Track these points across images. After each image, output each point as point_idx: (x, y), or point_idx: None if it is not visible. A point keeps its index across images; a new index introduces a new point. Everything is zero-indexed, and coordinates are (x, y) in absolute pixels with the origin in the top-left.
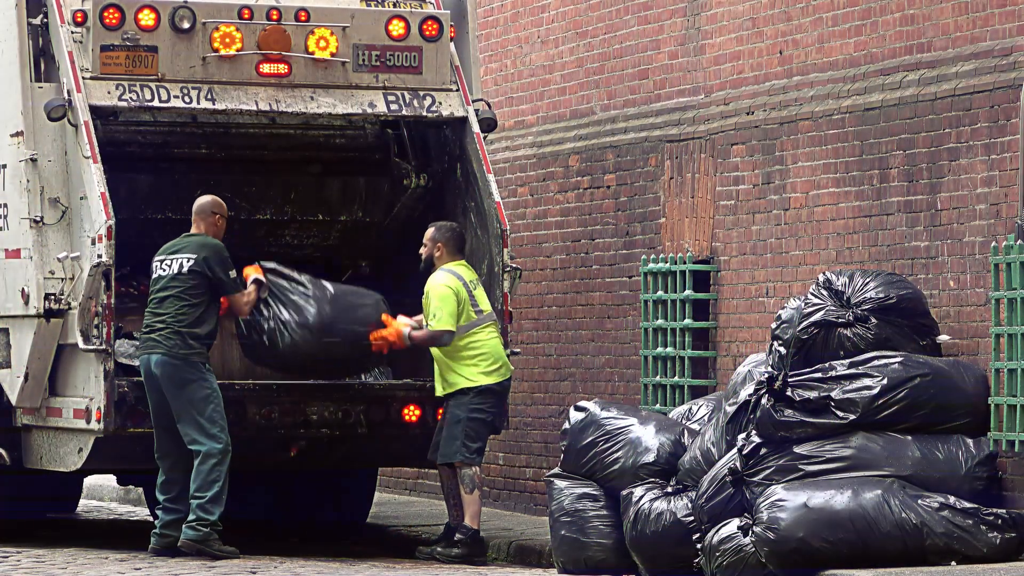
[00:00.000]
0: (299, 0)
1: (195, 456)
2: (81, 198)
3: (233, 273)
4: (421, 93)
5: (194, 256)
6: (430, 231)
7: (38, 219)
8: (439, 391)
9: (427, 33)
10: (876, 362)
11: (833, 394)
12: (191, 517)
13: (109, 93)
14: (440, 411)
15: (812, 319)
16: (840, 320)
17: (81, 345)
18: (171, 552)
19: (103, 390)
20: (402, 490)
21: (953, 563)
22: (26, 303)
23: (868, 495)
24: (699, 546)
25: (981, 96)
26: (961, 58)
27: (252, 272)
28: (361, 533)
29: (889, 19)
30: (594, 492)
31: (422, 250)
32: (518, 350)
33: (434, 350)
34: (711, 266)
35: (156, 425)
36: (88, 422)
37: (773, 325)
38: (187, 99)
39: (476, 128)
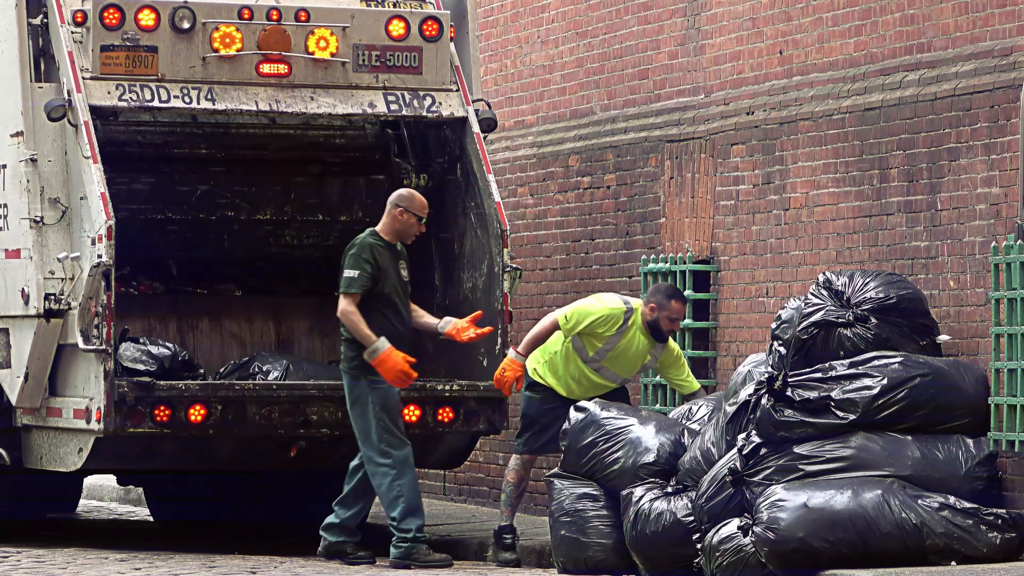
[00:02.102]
0: (299, 0)
1: (371, 475)
2: (81, 198)
3: (351, 272)
4: (421, 93)
5: (343, 260)
6: (683, 306)
7: (38, 219)
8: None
9: (427, 33)
10: (876, 362)
11: (833, 394)
12: (393, 537)
13: (109, 93)
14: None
15: (812, 319)
16: (840, 320)
17: (81, 345)
18: (326, 554)
19: (103, 390)
20: None
21: (953, 563)
22: (26, 303)
23: (868, 495)
24: (699, 546)
25: (981, 96)
26: (961, 58)
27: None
28: (361, 533)
29: (889, 19)
30: (594, 492)
31: (677, 326)
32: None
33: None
34: (711, 266)
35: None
36: (88, 422)
37: (773, 325)
38: (187, 99)
39: (476, 128)
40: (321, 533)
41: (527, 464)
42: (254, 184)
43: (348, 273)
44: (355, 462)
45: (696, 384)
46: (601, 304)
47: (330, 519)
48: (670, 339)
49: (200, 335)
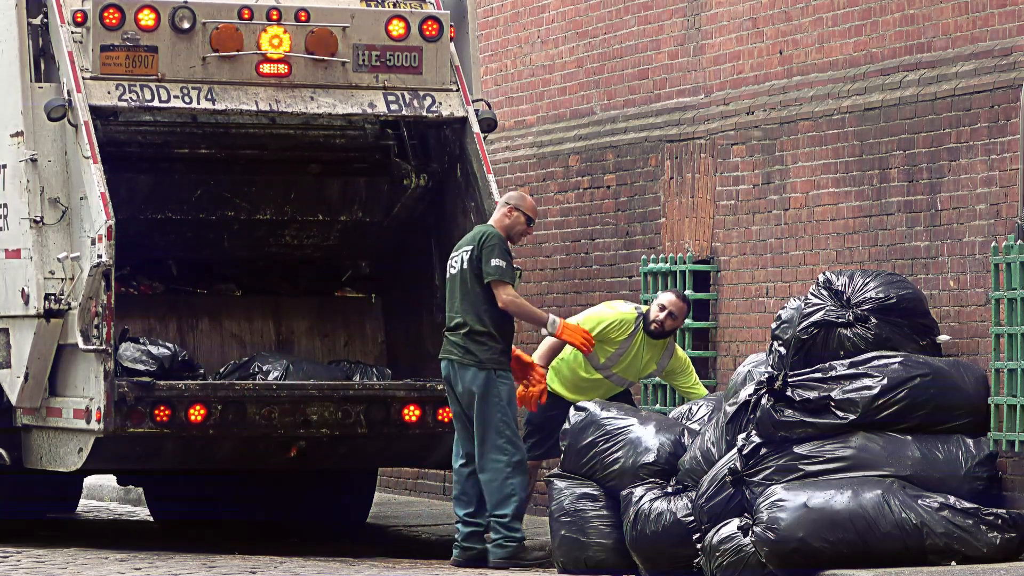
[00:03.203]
0: (299, 0)
1: (481, 470)
2: (81, 198)
3: (500, 261)
4: (421, 93)
5: (470, 247)
6: (682, 303)
7: (38, 219)
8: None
9: (427, 33)
10: (876, 362)
11: (833, 394)
12: (496, 536)
13: (109, 93)
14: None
15: (812, 319)
16: (840, 320)
17: (81, 345)
18: (473, 564)
19: (103, 390)
20: (402, 490)
21: (953, 563)
22: (26, 303)
23: (868, 495)
24: (699, 546)
25: (981, 96)
26: (961, 58)
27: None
28: (361, 533)
29: (889, 19)
30: (594, 492)
31: (668, 321)
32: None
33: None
34: (711, 266)
35: (457, 428)
36: (88, 422)
37: (773, 325)
38: (187, 99)
39: (476, 128)
40: (464, 544)
41: (532, 469)
42: (254, 184)
43: (497, 262)
44: (460, 463)
45: (703, 391)
46: (613, 310)
47: (470, 529)
48: (677, 348)
49: (200, 335)
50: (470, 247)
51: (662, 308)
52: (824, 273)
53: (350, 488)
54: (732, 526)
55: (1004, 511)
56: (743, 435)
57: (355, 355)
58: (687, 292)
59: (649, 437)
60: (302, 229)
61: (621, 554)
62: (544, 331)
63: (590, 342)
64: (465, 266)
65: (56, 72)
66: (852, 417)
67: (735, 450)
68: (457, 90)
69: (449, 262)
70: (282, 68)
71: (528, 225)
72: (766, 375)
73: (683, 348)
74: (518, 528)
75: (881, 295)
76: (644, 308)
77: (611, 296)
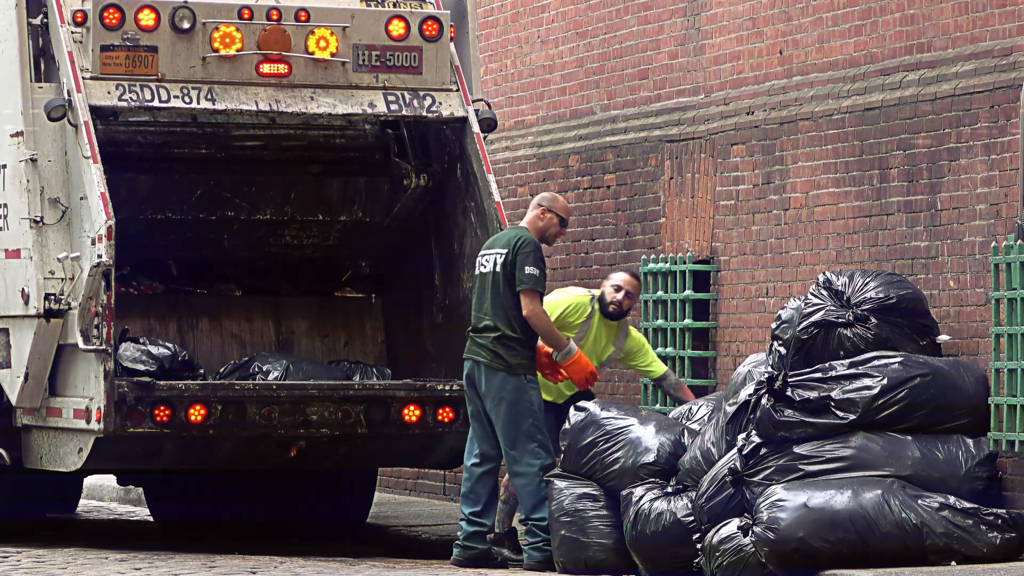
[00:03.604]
0: (299, 0)
1: (514, 475)
2: (81, 198)
3: (534, 269)
4: (421, 93)
5: (505, 251)
6: (636, 281)
7: (38, 219)
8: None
9: (427, 33)
10: (876, 362)
11: (833, 394)
12: (535, 540)
13: (109, 93)
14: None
15: (812, 319)
16: (840, 320)
17: (81, 345)
18: (473, 563)
19: (103, 390)
20: (402, 490)
21: (953, 563)
22: (26, 303)
23: (868, 495)
24: (699, 546)
25: (981, 96)
26: (961, 58)
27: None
28: (361, 533)
29: (889, 19)
30: (594, 492)
31: (626, 300)
32: None
33: None
34: (711, 266)
35: (474, 427)
36: (88, 422)
37: (773, 325)
38: (187, 99)
39: (476, 128)
40: (466, 543)
41: None
42: (254, 184)
43: (532, 270)
44: (473, 461)
45: (661, 367)
46: (566, 294)
47: (474, 529)
48: (632, 329)
49: (200, 335)
50: (505, 250)
51: (617, 288)
52: (824, 273)
53: (350, 488)
54: (732, 526)
55: (1004, 511)
56: (743, 435)
57: (355, 355)
58: (687, 292)
59: (649, 437)
60: (302, 229)
61: (621, 554)
62: (556, 354)
63: (591, 380)
64: (498, 269)
65: (56, 72)
66: (852, 417)
67: (735, 450)
68: (457, 90)
69: (479, 260)
70: (282, 68)
71: (561, 226)
72: (766, 375)
73: (683, 348)
74: None
75: (881, 295)
76: (597, 291)
77: None
